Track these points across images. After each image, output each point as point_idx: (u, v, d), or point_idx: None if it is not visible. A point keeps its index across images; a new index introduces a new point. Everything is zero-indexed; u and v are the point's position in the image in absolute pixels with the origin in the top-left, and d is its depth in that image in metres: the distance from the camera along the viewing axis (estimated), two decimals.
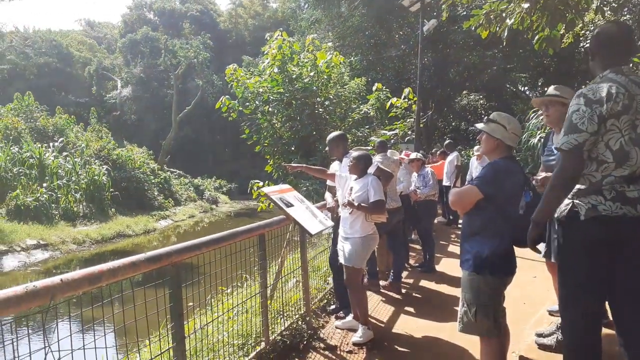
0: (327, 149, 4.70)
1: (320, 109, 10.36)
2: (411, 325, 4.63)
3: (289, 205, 3.88)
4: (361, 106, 11.13)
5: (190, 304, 3.21)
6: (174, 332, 2.32)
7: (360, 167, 4.02)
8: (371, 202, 3.86)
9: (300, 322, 4.23)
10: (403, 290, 5.86)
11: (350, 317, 4.43)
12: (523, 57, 19.35)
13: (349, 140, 11.07)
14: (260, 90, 10.22)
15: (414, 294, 5.83)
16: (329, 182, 4.93)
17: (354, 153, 4.13)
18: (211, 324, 3.22)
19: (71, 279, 1.70)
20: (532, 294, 5.29)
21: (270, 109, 10.39)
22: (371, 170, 4.45)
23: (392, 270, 5.91)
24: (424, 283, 6.25)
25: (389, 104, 10.29)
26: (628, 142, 2.28)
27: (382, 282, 5.99)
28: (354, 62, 19.20)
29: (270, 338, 3.65)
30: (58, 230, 16.29)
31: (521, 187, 2.71)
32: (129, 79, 40.80)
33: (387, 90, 11.32)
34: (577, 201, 2.44)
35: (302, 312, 4.31)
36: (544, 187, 2.86)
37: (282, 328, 3.91)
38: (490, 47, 18.56)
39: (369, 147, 8.08)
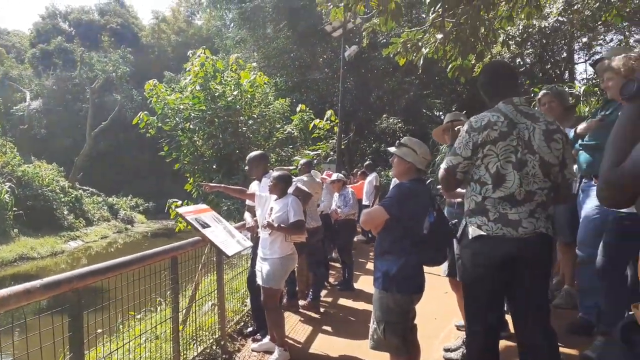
0: (247, 167, 4.68)
1: (244, 128, 10.31)
2: (328, 345, 4.64)
3: (205, 225, 3.79)
4: (285, 126, 11.21)
5: (100, 330, 3.02)
6: None
7: (280, 187, 4.02)
8: (291, 223, 3.87)
9: (214, 347, 4.11)
10: (322, 309, 5.88)
11: (267, 339, 4.36)
12: (438, 84, 20.53)
13: (273, 160, 11.14)
14: (182, 107, 10.00)
15: (332, 312, 5.88)
16: (248, 202, 4.89)
17: (275, 173, 4.13)
18: (117, 352, 3.03)
19: None
20: (443, 309, 5.51)
21: (191, 127, 10.17)
22: (290, 190, 4.49)
23: (311, 290, 5.94)
24: (342, 301, 6.32)
25: (311, 125, 10.46)
26: (504, 165, 2.49)
27: (301, 302, 5.99)
28: (279, 82, 19.36)
29: None
30: None
31: (426, 208, 2.86)
32: (39, 91, 38.07)
33: (311, 111, 11.51)
34: (468, 221, 2.64)
35: (217, 336, 4.19)
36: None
37: (195, 354, 3.77)
38: (409, 74, 19.50)
39: (292, 167, 8.14)
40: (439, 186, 2.78)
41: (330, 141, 10.52)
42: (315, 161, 10.47)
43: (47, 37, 41.14)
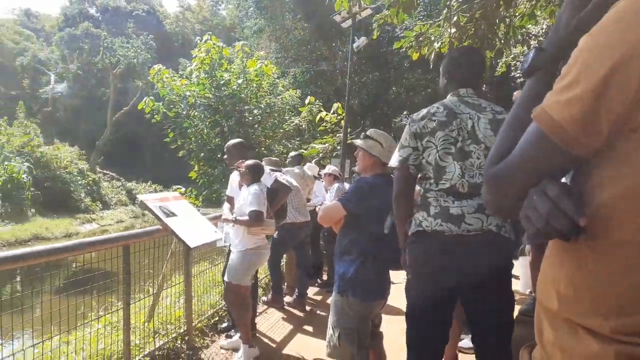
0: (225, 157, 4.47)
1: (250, 118, 10.14)
2: (304, 345, 4.43)
3: (170, 214, 3.60)
4: (292, 118, 11.01)
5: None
6: None
7: (247, 177, 3.81)
8: (248, 213, 3.64)
9: (179, 341, 3.93)
10: (308, 308, 5.67)
11: (237, 337, 4.17)
12: None
13: (280, 152, 10.95)
14: (187, 93, 9.89)
15: (317, 312, 5.66)
16: (228, 192, 4.69)
17: (247, 162, 3.92)
18: (59, 343, 2.87)
19: None
20: None
21: (196, 113, 10.06)
22: (269, 182, 4.27)
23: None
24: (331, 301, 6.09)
25: (318, 117, 10.23)
26: (443, 157, 2.29)
27: (288, 298, 5.79)
28: (298, 74, 19.15)
29: (136, 359, 3.34)
30: None
31: (388, 206, 2.59)
32: (64, 75, 38.73)
33: (320, 103, 11.27)
34: (414, 217, 2.41)
35: (182, 330, 4.01)
36: None
37: (154, 347, 3.60)
38: (429, 69, 19.03)
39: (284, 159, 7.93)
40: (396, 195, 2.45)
41: (338, 135, 10.26)
42: (320, 154, 10.26)
43: (75, 22, 41.75)
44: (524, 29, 6.46)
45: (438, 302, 2.34)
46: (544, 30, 13.60)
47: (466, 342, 3.73)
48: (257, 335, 4.55)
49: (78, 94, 38.08)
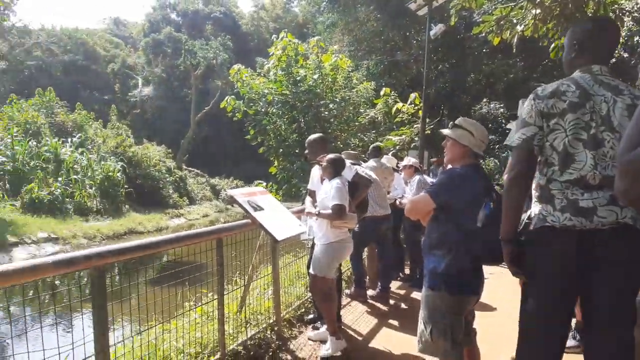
0: (306, 152, 4.53)
1: (325, 112, 10.22)
2: (392, 340, 4.41)
3: (258, 208, 3.72)
4: (367, 110, 10.94)
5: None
6: (96, 342, 2.17)
7: (329, 170, 3.84)
8: (330, 207, 3.67)
9: (269, 332, 4.06)
10: (391, 302, 5.64)
11: (324, 328, 4.23)
12: (548, 66, 18.82)
13: (356, 145, 10.93)
14: (265, 91, 10.14)
15: (401, 306, 5.61)
16: (309, 186, 4.76)
17: (328, 156, 3.95)
18: (162, 331, 3.08)
19: None
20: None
21: (274, 110, 10.29)
22: (349, 175, 4.27)
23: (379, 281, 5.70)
24: (415, 295, 6.00)
25: (394, 109, 10.09)
26: (573, 143, 2.05)
27: (370, 292, 5.79)
28: (371, 66, 18.98)
29: (230, 347, 3.49)
30: (70, 225, 16.44)
31: (480, 198, 2.48)
32: (150, 78, 41.33)
33: (395, 94, 11.10)
34: (531, 210, 2.21)
35: (272, 321, 4.14)
36: None
37: (246, 337, 3.74)
38: (512, 55, 18.13)
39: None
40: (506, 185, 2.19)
41: (415, 126, 10.05)
42: (397, 147, 10.11)
43: (158, 27, 44.36)
44: (616, 5, 5.94)
45: (565, 311, 2.14)
46: (638, 6, 12.36)
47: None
48: (343, 327, 4.59)
49: (163, 96, 40.47)
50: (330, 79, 9.93)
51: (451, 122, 2.75)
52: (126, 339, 2.61)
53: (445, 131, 2.74)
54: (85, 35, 44.63)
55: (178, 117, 39.39)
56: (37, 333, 2.23)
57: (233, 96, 10.43)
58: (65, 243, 15.32)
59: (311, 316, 4.79)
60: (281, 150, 10.80)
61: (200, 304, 3.79)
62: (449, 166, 2.79)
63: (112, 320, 2.35)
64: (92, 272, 2.12)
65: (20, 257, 13.27)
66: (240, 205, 3.57)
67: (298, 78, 9.71)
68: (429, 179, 6.71)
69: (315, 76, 9.62)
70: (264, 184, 10.21)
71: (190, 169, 31.94)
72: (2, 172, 17.49)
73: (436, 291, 2.57)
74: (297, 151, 10.63)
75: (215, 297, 3.38)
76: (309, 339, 4.29)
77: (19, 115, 21.74)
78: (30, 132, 20.89)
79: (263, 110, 10.24)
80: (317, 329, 4.43)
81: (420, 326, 2.70)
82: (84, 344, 2.09)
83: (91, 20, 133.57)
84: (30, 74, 38.14)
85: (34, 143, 19.59)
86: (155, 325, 2.89)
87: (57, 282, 8.55)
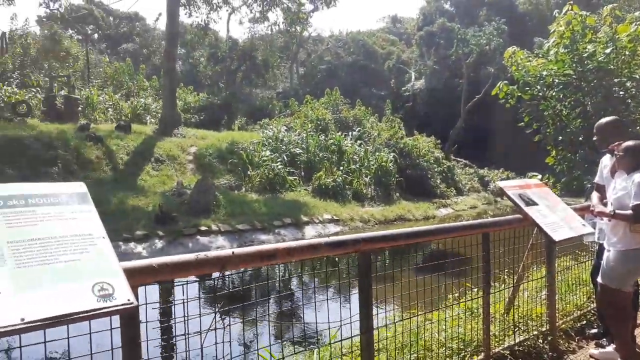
0: (595, 138, 3.86)
1: (621, 92, 8.61)
2: None
3: (530, 203, 3.34)
4: None
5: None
6: (362, 322, 2.30)
7: (627, 161, 3.12)
8: (631, 207, 2.96)
9: (540, 340, 3.64)
10: None
11: (611, 348, 3.56)
12: None
13: None
14: (544, 73, 9.15)
15: None
16: (596, 179, 4.03)
17: (626, 143, 3.23)
18: (424, 320, 3.08)
19: (243, 254, 1.86)
20: None
21: (553, 94, 9.21)
22: None
23: None
24: None
25: None
26: None
27: None
28: None
29: (495, 350, 3.26)
30: (348, 209, 18.48)
31: None
32: (422, 71, 42.52)
33: None
34: None
35: (544, 329, 3.69)
36: None
37: (513, 342, 3.44)
38: None
39: None
40: None
41: None
42: None
43: (432, 20, 45.16)
44: None
45: None
46: None
47: None
48: (638, 350, 3.79)
49: (434, 88, 41.14)
50: (627, 52, 8.26)
51: None
52: (389, 324, 2.69)
53: None
54: (365, 37, 48.95)
55: (448, 108, 39.40)
56: (315, 305, 2.49)
57: (506, 81, 9.76)
58: (344, 225, 17.26)
59: (595, 330, 4.11)
60: (561, 138, 9.62)
61: (464, 299, 3.66)
62: None
63: (376, 303, 2.45)
64: (360, 255, 2.25)
65: (310, 235, 15.56)
66: (511, 199, 3.28)
67: (585, 55, 8.40)
68: None
69: (608, 50, 8.13)
70: (539, 176, 9.29)
71: (458, 159, 31.71)
72: (298, 162, 20.88)
73: None
74: (580, 139, 9.31)
75: (480, 294, 3.20)
76: (590, 356, 3.68)
77: (312, 113, 25.81)
78: (320, 127, 24.42)
79: (540, 94, 9.26)
80: (602, 346, 3.76)
81: None
82: (351, 322, 2.22)
83: (371, 20, 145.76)
84: (322, 77, 44.06)
85: (323, 137, 22.79)
86: (418, 315, 2.90)
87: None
